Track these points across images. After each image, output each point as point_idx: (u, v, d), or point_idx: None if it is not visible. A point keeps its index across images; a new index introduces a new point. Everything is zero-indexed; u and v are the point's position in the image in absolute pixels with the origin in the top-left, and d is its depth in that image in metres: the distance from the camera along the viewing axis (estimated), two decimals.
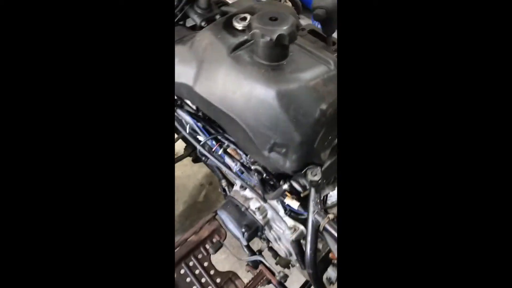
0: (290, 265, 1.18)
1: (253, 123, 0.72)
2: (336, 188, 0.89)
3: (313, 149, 0.73)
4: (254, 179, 0.89)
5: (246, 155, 0.89)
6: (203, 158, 1.12)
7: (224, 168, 0.96)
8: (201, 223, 1.28)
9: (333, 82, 0.70)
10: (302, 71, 0.69)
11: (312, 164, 0.76)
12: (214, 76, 0.75)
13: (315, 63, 0.71)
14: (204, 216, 1.30)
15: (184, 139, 1.44)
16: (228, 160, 0.95)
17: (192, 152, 1.56)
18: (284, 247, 1.04)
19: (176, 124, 0.97)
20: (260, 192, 0.90)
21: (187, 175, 2.00)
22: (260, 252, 1.19)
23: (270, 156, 0.75)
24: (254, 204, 1.05)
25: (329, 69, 0.71)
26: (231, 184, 1.33)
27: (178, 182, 1.93)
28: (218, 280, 1.17)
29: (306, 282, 1.21)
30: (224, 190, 1.35)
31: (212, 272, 1.20)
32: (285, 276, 1.14)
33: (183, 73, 0.80)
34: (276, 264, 1.18)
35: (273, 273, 1.14)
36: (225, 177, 1.34)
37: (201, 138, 0.96)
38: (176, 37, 0.87)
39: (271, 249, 1.19)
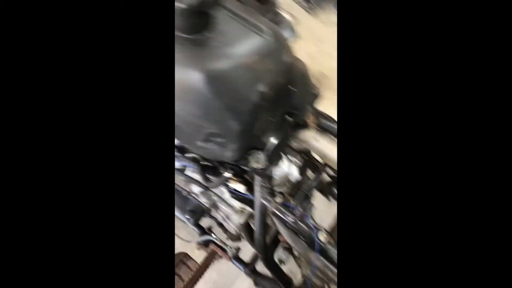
0: (241, 237, 1.16)
1: (180, 112, 0.59)
2: (280, 163, 0.84)
3: (254, 135, 0.64)
4: (192, 166, 0.79)
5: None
6: None
7: None
8: None
9: (271, 56, 0.59)
10: (232, 45, 0.56)
11: (254, 149, 0.68)
12: None
13: (248, 33, 0.58)
14: None
15: None
16: None
17: None
18: (233, 225, 1.00)
19: None
20: (200, 179, 0.81)
21: None
22: (209, 229, 1.15)
23: (206, 146, 0.64)
24: (196, 188, 0.97)
25: (265, 40, 0.59)
26: None
27: None
28: None
29: None
30: None
31: None
32: (237, 250, 1.12)
33: None
34: (227, 239, 1.15)
35: (224, 250, 1.11)
36: None
37: None
38: None
39: (220, 225, 1.14)
